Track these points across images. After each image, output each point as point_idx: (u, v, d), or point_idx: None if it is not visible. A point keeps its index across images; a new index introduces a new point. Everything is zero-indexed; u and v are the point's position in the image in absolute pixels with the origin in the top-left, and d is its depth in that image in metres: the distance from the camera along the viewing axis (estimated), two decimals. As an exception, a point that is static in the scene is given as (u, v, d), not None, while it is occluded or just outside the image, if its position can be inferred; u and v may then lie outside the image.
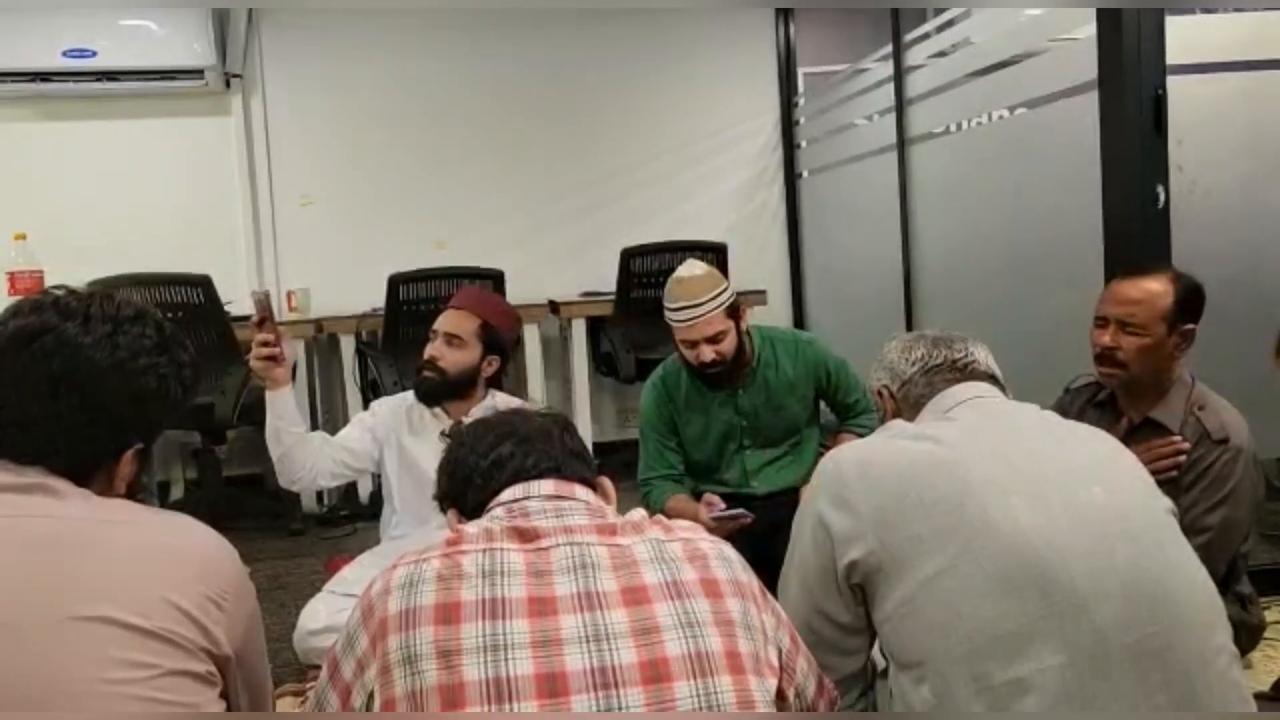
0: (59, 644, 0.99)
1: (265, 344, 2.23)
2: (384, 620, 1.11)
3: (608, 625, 1.10)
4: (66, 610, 1.00)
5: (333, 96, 4.83)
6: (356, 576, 2.37)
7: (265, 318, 2.24)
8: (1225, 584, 1.96)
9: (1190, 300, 2.08)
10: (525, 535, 1.17)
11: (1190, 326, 2.08)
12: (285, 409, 2.31)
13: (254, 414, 4.04)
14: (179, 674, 1.03)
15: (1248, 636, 2.05)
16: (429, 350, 2.49)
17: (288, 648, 2.43)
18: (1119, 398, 2.20)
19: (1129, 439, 2.00)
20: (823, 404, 2.83)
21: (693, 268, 2.59)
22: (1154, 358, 2.08)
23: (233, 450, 4.37)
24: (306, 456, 2.36)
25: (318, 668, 1.27)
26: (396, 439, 2.55)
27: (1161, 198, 2.52)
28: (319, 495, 4.30)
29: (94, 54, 4.36)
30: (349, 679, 1.15)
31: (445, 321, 2.52)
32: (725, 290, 2.56)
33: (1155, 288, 2.08)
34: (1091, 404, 2.25)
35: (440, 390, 2.49)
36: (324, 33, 4.80)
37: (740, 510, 2.45)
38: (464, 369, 2.48)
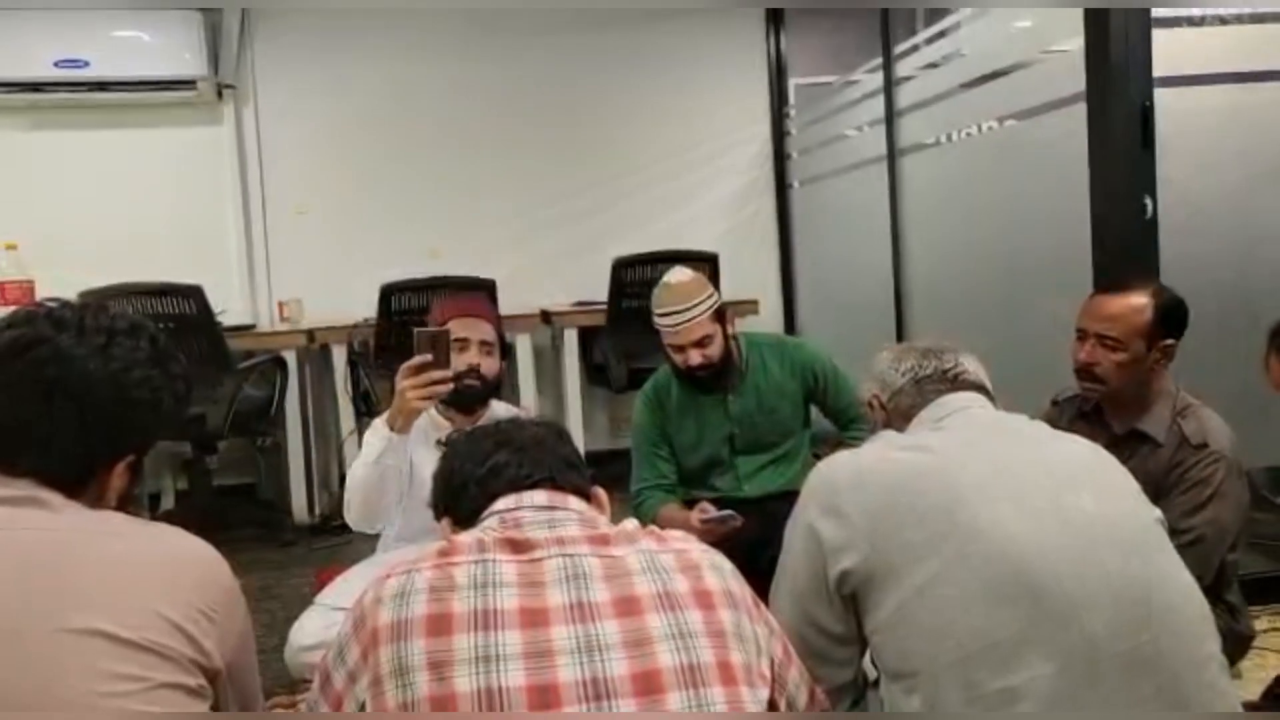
0: (50, 656, 0.99)
1: (435, 382, 2.19)
2: (375, 631, 1.11)
3: (600, 636, 1.10)
4: (57, 623, 1.00)
5: (325, 106, 4.84)
6: (348, 589, 2.35)
7: (439, 357, 2.20)
8: (1215, 593, 1.96)
9: (1171, 316, 2.07)
10: (518, 546, 1.17)
11: (1170, 342, 2.08)
12: (404, 452, 2.26)
13: (245, 424, 4.05)
14: (169, 687, 1.02)
15: (1237, 646, 2.06)
16: (467, 359, 2.42)
17: (278, 659, 2.42)
18: (1105, 409, 2.21)
19: (1114, 449, 2.02)
20: (819, 412, 2.84)
21: (679, 274, 2.62)
22: (1133, 373, 2.08)
23: (224, 460, 4.36)
24: (392, 496, 2.30)
25: (309, 682, 1.26)
26: (410, 454, 2.52)
27: (1150, 208, 2.54)
28: (310, 505, 4.29)
29: (86, 64, 4.36)
30: (340, 689, 1.15)
31: (475, 329, 2.47)
32: (711, 295, 2.60)
33: (1134, 303, 2.07)
34: (1079, 415, 2.26)
35: (481, 398, 2.46)
36: (316, 42, 4.81)
37: (730, 513, 2.46)
38: (498, 375, 2.49)
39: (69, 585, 1.02)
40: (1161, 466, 2.06)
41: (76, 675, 0.98)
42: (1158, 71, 2.53)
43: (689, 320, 2.55)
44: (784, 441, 2.76)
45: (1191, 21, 2.66)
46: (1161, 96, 2.54)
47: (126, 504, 1.20)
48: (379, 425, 2.31)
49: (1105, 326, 2.07)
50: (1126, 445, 2.11)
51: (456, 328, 2.46)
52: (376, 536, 2.66)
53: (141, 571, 1.07)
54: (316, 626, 2.32)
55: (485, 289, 4.15)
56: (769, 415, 2.73)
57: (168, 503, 4.47)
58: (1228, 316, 2.57)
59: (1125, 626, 1.29)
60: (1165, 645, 1.31)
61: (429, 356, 2.20)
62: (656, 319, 2.61)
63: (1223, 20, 2.68)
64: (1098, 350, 2.08)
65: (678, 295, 2.56)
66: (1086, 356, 2.10)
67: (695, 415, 2.73)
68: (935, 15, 3.95)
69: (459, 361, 2.41)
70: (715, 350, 2.60)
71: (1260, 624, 2.41)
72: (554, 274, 4.90)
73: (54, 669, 0.98)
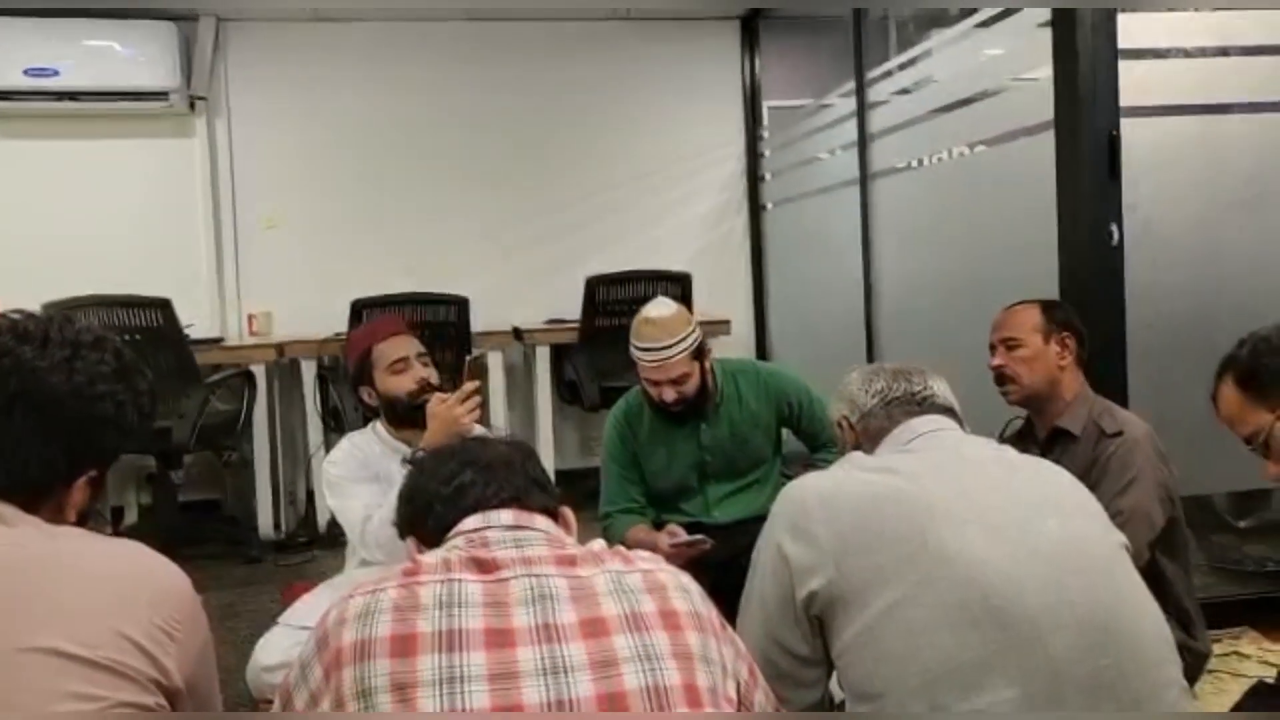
0: (5, 675, 0.97)
1: (478, 405, 2.34)
2: (339, 651, 1.10)
3: (565, 658, 1.09)
4: (13, 641, 0.98)
5: (297, 120, 4.83)
6: (313, 608, 2.32)
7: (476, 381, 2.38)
8: (1167, 602, 1.98)
9: (1058, 313, 2.33)
10: (484, 566, 1.16)
11: (1067, 335, 2.30)
12: None
13: (212, 439, 4.00)
14: (128, 706, 1.01)
15: (1192, 661, 2.09)
16: (414, 376, 2.45)
17: (241, 678, 2.38)
18: (1033, 419, 2.36)
19: (1044, 454, 2.10)
20: (790, 433, 2.84)
21: (661, 307, 2.58)
22: (1039, 366, 2.29)
23: (189, 475, 4.31)
24: None
25: (270, 703, 1.25)
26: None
27: (1115, 236, 2.58)
28: (276, 521, 4.25)
29: (57, 73, 4.33)
30: (302, 711, 1.13)
31: (408, 346, 2.50)
32: (693, 333, 2.56)
33: (1022, 308, 2.37)
34: (1017, 438, 2.37)
35: None
36: (290, 56, 4.80)
37: (699, 536, 2.46)
38: (440, 382, 2.56)
39: (25, 603, 1.01)
40: (1083, 461, 2.16)
41: (33, 694, 0.97)
42: (1124, 102, 2.58)
43: (667, 359, 2.52)
44: (755, 469, 2.75)
45: (1157, 54, 2.71)
46: (1128, 126, 2.59)
47: (87, 519, 1.18)
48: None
49: (1004, 332, 2.35)
50: (1053, 447, 2.25)
51: (390, 349, 2.48)
52: (342, 553, 2.64)
53: (100, 588, 1.05)
54: (280, 646, 2.29)
55: (457, 306, 4.15)
56: (741, 445, 2.71)
57: (131, 517, 4.41)
58: (1191, 343, 2.61)
59: (1088, 650, 1.31)
60: (1127, 669, 1.32)
61: (479, 383, 2.34)
62: (634, 351, 2.57)
63: (1187, 53, 2.73)
64: (1005, 354, 2.33)
65: (658, 331, 2.52)
66: (998, 361, 2.34)
67: (666, 442, 2.71)
68: (908, 41, 4.00)
69: (407, 380, 2.44)
70: (690, 388, 2.57)
71: (1219, 648, 2.44)
72: (526, 291, 4.90)
73: (10, 688, 0.96)
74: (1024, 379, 2.30)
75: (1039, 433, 2.34)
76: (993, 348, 2.37)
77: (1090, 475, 2.11)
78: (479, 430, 2.37)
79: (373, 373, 2.47)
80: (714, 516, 2.71)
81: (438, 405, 2.32)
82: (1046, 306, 2.35)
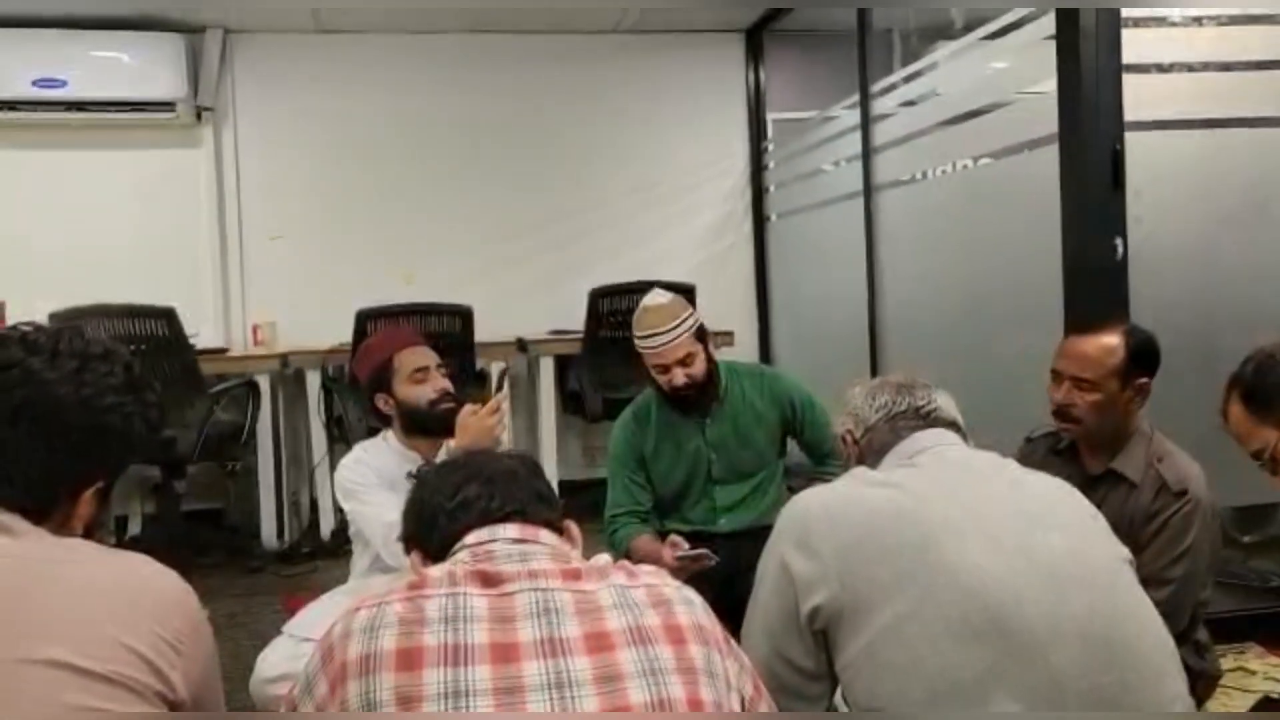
0: (8, 686, 0.97)
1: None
2: (344, 665, 1.10)
3: (570, 672, 1.09)
4: (17, 652, 0.98)
5: (303, 131, 4.84)
6: (316, 619, 2.32)
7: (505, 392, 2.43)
8: (1183, 633, 1.97)
9: (1142, 354, 2.10)
10: (489, 580, 1.16)
11: (1144, 380, 2.10)
12: None
13: (216, 449, 4.01)
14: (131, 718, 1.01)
15: (1204, 685, 2.07)
16: (434, 386, 2.50)
17: (243, 689, 2.38)
18: (1080, 447, 2.21)
19: (1089, 489, 2.02)
20: (794, 445, 2.85)
21: (658, 296, 2.67)
22: (1108, 412, 2.09)
23: (193, 484, 4.31)
24: None
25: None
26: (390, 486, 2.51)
27: (1119, 248, 2.58)
28: (280, 531, 4.25)
29: (64, 84, 4.35)
30: (307, 723, 1.13)
31: (428, 355, 2.56)
32: (691, 315, 2.65)
33: (1107, 344, 2.09)
34: (1052, 452, 2.27)
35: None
36: (295, 68, 4.83)
37: (703, 551, 2.46)
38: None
39: (29, 614, 1.01)
40: (1141, 511, 2.05)
41: (34, 707, 0.96)
42: (1128, 116, 2.58)
43: (672, 340, 2.58)
44: (759, 471, 2.77)
45: (1161, 68, 2.72)
46: (1132, 139, 2.59)
47: (94, 531, 1.18)
48: None
49: (1079, 368, 2.09)
50: (1102, 484, 2.12)
51: (412, 358, 2.53)
52: (345, 564, 2.64)
53: (106, 601, 1.05)
54: (282, 657, 2.29)
55: (460, 316, 4.16)
56: (745, 442, 2.74)
57: (134, 527, 4.42)
58: (1195, 355, 2.61)
59: (1091, 665, 1.30)
60: (1130, 683, 1.32)
61: (506, 394, 2.35)
62: (639, 342, 2.64)
63: (1190, 68, 2.74)
64: (1073, 392, 2.10)
65: (659, 317, 2.60)
66: (1062, 398, 2.11)
67: (673, 438, 2.74)
68: (912, 54, 4.01)
69: (428, 390, 2.49)
70: (699, 369, 2.63)
71: (1225, 663, 2.43)
72: (530, 302, 4.90)
73: (11, 700, 0.96)
74: (1089, 423, 2.09)
75: (1087, 462, 2.17)
76: (1056, 375, 2.13)
77: (1145, 528, 2.02)
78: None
79: (392, 381, 2.51)
80: (720, 524, 2.72)
81: (469, 416, 2.35)
82: (1129, 339, 2.09)
